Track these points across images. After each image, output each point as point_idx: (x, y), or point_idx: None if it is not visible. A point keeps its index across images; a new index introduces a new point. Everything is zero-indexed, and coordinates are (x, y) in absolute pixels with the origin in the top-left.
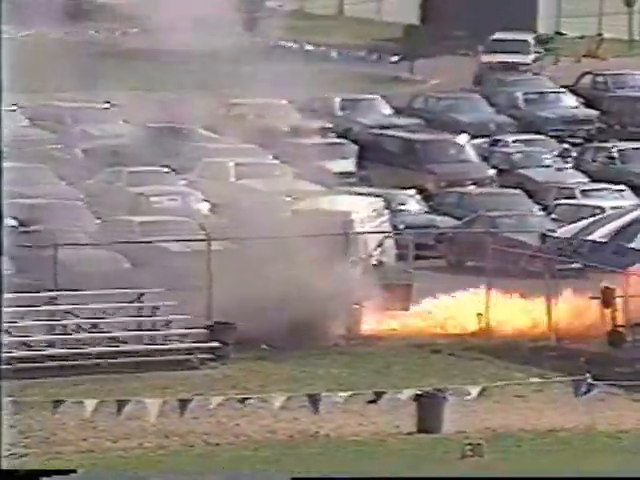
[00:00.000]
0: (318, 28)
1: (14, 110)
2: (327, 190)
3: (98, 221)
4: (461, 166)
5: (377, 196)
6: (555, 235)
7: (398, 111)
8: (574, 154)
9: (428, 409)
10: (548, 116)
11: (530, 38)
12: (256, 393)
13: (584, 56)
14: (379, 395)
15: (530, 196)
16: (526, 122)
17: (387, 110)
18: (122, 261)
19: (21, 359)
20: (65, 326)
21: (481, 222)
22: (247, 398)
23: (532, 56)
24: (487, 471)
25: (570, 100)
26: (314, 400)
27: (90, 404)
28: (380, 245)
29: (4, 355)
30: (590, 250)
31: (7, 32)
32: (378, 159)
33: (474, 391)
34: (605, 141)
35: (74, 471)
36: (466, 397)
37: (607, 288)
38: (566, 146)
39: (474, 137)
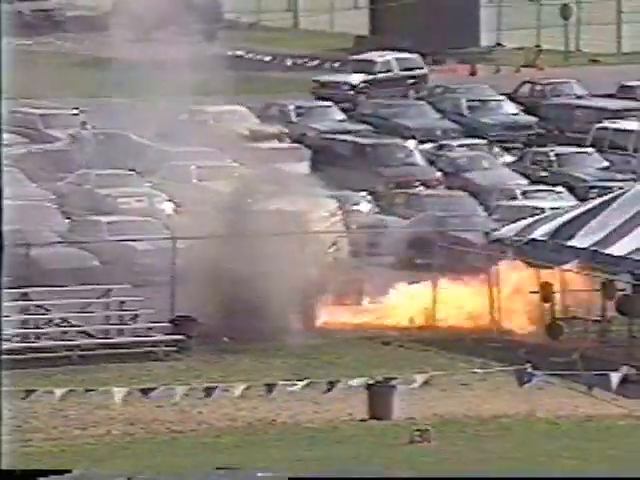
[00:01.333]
0: (274, 39)
1: None
2: (284, 191)
3: (68, 221)
4: (409, 169)
5: (331, 197)
6: (497, 233)
7: (350, 117)
8: (515, 158)
9: (379, 397)
10: (490, 122)
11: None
12: (218, 383)
13: (523, 66)
14: (332, 384)
15: (474, 197)
16: (470, 128)
17: (340, 116)
18: (91, 259)
19: None
20: (37, 320)
21: (428, 221)
22: (210, 387)
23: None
24: (434, 455)
25: (510, 107)
26: (271, 389)
27: (59, 392)
28: (334, 244)
29: None
30: (531, 247)
31: None
32: (331, 162)
33: (420, 379)
34: (543, 146)
35: (69, 471)
36: (412, 385)
37: (546, 283)
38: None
39: (422, 142)
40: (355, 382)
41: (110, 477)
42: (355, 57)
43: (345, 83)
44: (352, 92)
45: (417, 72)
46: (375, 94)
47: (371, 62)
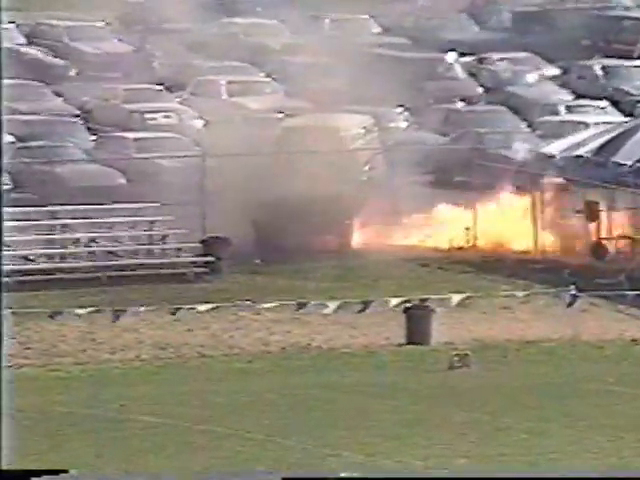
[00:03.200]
0: None
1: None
2: (317, 108)
3: (93, 137)
4: (449, 83)
5: (367, 113)
6: (541, 150)
7: (386, 30)
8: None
9: (417, 321)
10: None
11: None
12: (249, 306)
13: None
14: (367, 304)
15: (516, 113)
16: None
17: (376, 29)
18: (118, 176)
19: (21, 272)
20: (63, 240)
21: (469, 139)
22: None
23: None
24: (474, 381)
25: None
26: (302, 306)
27: (86, 313)
28: (370, 161)
29: (5, 267)
30: (576, 164)
31: None
32: (367, 77)
33: (456, 299)
34: (589, 59)
35: (65, 471)
36: (447, 306)
37: (590, 202)
38: None
39: (462, 55)
40: (391, 302)
41: (107, 477)
42: None
43: None
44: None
45: None
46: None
47: None
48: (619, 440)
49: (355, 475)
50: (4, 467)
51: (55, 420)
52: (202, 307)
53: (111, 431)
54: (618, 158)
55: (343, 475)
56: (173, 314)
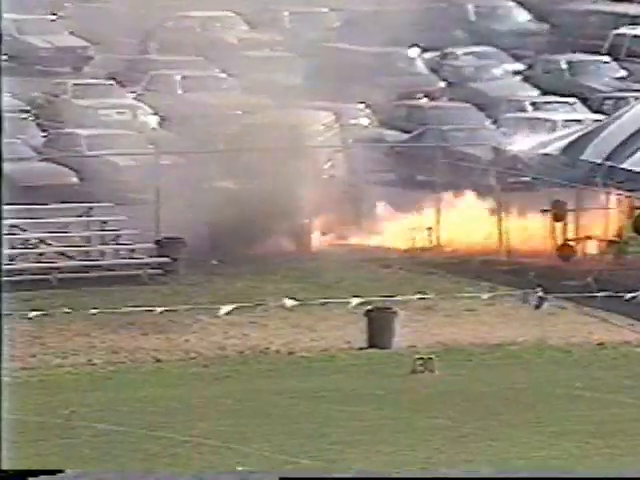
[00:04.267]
0: None
1: None
2: (276, 104)
3: (44, 134)
4: (411, 79)
5: (327, 110)
6: (506, 148)
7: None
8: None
9: (378, 324)
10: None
11: None
12: (205, 309)
13: None
14: (327, 304)
15: (480, 109)
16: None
17: (337, 23)
18: (69, 175)
19: None
20: (12, 240)
21: (431, 136)
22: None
23: None
24: (438, 386)
25: (521, 13)
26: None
27: (37, 317)
28: (330, 159)
29: None
30: (542, 163)
31: None
32: (327, 73)
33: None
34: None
35: (61, 471)
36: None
37: (558, 201)
38: None
39: (425, 50)
40: (352, 302)
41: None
42: None
43: None
44: None
45: None
46: None
47: None
48: (587, 446)
49: (354, 475)
50: (3, 467)
51: (1, 428)
52: (156, 310)
53: (61, 438)
54: (586, 156)
55: (343, 475)
56: (126, 317)
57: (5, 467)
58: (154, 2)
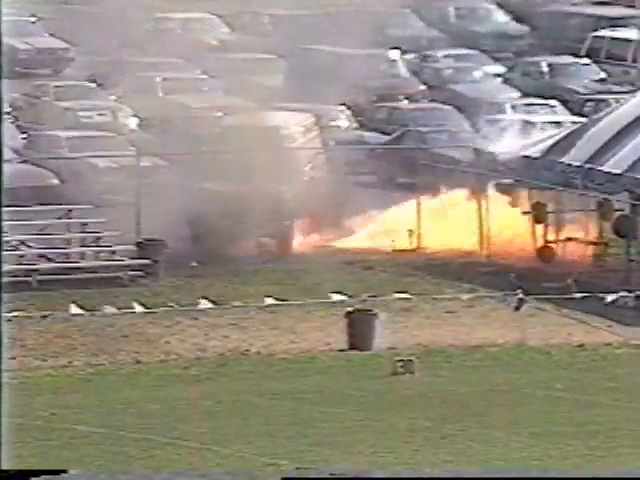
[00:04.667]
0: None
1: None
2: (257, 106)
3: (24, 136)
4: (391, 81)
5: (307, 112)
6: (486, 150)
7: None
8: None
9: (359, 326)
10: (479, 31)
11: None
12: (186, 310)
13: None
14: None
15: (461, 111)
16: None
17: None
18: (50, 177)
19: None
20: None
21: (411, 138)
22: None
23: None
24: (418, 388)
25: (500, 15)
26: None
27: (17, 319)
28: (311, 161)
29: None
30: (523, 165)
31: None
32: (307, 74)
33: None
34: (535, 56)
35: (65, 471)
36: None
37: (538, 203)
38: None
39: (405, 52)
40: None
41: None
42: None
43: None
44: None
45: None
46: None
47: None
48: (567, 447)
49: (353, 475)
50: (4, 467)
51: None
52: (137, 311)
53: (41, 441)
54: (567, 159)
55: (344, 475)
56: (107, 319)
57: (5, 467)
58: (134, 3)
